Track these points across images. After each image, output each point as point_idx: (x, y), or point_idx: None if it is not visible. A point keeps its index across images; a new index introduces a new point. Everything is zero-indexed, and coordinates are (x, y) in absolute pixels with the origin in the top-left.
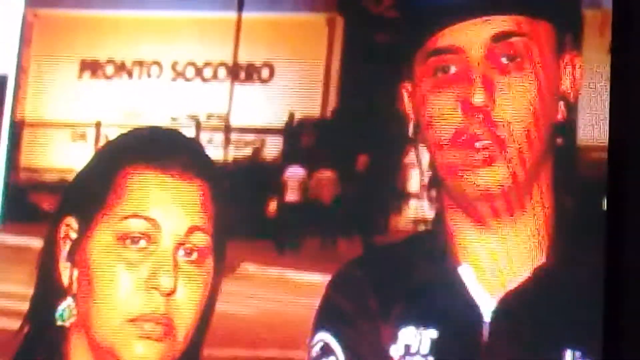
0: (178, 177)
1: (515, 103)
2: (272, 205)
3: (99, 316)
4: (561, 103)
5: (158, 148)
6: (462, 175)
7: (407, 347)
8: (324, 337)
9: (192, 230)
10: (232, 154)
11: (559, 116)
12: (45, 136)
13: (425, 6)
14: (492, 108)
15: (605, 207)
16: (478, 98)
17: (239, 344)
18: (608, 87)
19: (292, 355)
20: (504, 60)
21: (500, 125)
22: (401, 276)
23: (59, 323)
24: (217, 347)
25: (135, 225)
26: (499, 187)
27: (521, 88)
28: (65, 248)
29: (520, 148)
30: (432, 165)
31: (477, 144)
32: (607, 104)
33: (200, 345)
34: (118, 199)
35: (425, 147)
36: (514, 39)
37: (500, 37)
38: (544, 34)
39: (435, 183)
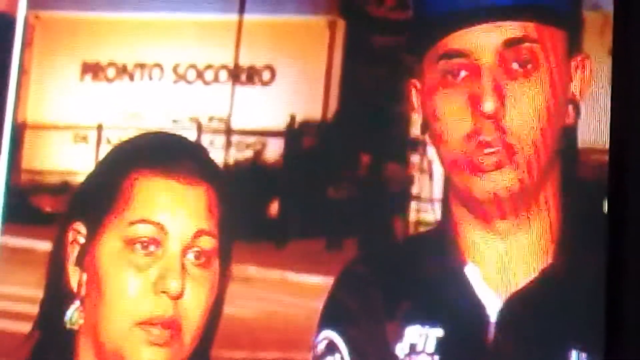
0: (184, 181)
1: (526, 109)
2: (274, 207)
3: (107, 320)
4: (570, 106)
5: (164, 153)
6: (471, 177)
7: (413, 345)
8: (329, 334)
9: (199, 233)
10: (234, 156)
11: (568, 120)
12: (46, 138)
13: (437, 10)
14: (503, 115)
15: (605, 209)
16: (488, 106)
17: (239, 346)
18: (609, 89)
19: (293, 356)
20: (515, 66)
21: (510, 131)
22: (407, 275)
23: (69, 327)
24: (217, 348)
25: (143, 231)
26: (508, 191)
27: (532, 94)
28: (73, 252)
29: (530, 153)
30: (440, 164)
31: (486, 150)
32: (608, 106)
33: (209, 349)
34: (125, 204)
35: (433, 146)
36: (525, 45)
37: (511, 43)
38: (555, 40)
39: (442, 182)
